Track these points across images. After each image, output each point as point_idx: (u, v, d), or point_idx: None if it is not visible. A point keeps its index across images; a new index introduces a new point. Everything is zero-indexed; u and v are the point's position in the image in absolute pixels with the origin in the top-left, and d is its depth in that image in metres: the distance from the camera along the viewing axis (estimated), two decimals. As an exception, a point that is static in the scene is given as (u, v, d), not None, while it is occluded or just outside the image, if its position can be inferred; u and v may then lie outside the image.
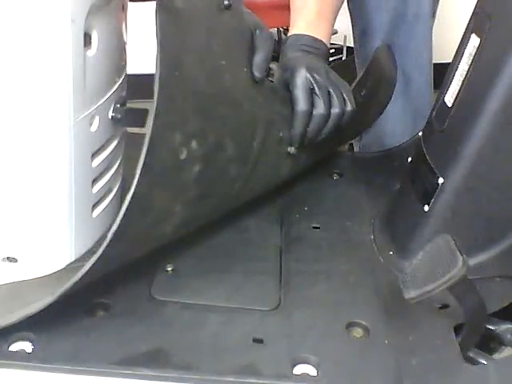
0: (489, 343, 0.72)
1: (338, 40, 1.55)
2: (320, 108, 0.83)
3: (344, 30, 1.44)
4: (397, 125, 1.15)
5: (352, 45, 1.24)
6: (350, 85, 0.94)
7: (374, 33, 1.11)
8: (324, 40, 0.94)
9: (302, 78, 0.83)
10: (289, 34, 0.96)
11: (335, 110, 0.84)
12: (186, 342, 0.66)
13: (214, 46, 0.70)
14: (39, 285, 0.73)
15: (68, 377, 0.62)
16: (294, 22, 0.97)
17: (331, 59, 1.52)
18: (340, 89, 0.86)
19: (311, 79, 0.84)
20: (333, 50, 1.57)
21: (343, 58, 1.85)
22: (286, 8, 1.39)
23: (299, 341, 0.68)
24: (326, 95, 0.84)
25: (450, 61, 0.81)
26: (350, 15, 1.14)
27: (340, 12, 1.03)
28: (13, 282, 0.72)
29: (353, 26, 1.18)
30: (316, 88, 0.83)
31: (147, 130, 0.61)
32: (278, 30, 1.61)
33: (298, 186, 0.97)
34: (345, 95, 0.86)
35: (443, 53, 1.10)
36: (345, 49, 1.90)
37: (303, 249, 0.83)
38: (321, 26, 0.95)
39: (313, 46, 0.92)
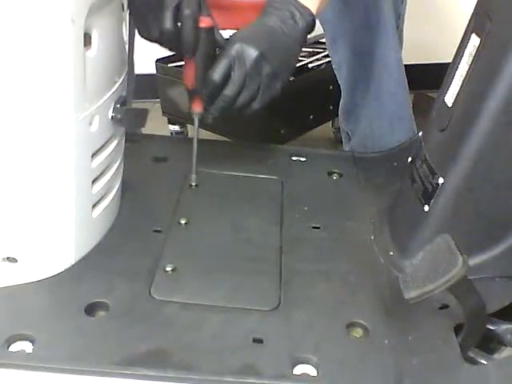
0: (489, 343, 0.72)
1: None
2: (227, 89, 0.84)
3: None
4: (374, 128, 1.16)
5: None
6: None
7: (342, 41, 1.12)
8: (312, 9, 0.88)
9: (231, 52, 0.83)
10: None
11: (241, 100, 0.86)
12: (185, 342, 0.66)
13: None
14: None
15: (68, 377, 0.62)
16: None
17: (325, 61, 1.53)
18: (259, 84, 0.85)
19: (237, 61, 0.83)
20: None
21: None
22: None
23: (299, 341, 0.68)
24: (240, 82, 0.84)
25: (451, 61, 0.81)
26: (321, 24, 1.14)
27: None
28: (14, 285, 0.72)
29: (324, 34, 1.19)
30: (235, 70, 0.84)
31: None
32: None
33: (298, 185, 0.97)
34: (260, 92, 0.86)
35: (443, 53, 1.11)
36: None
37: (303, 249, 0.83)
38: None
39: (293, 17, 0.86)
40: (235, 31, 0.87)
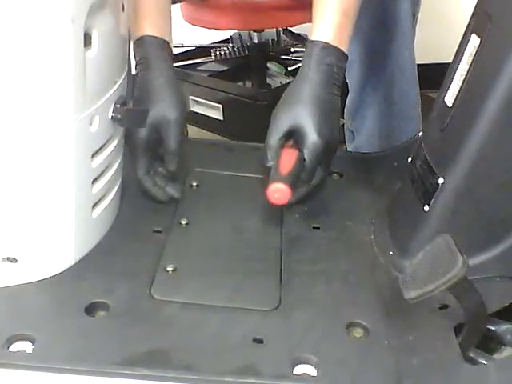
0: (489, 343, 0.72)
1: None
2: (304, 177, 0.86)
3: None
4: (382, 127, 1.15)
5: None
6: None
7: (355, 38, 1.12)
8: (346, 51, 0.87)
9: (315, 151, 0.83)
10: (313, 38, 0.87)
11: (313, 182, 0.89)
12: (186, 342, 0.66)
13: None
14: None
15: (68, 377, 0.62)
16: (319, 20, 0.87)
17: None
18: (321, 165, 0.88)
19: (316, 156, 0.83)
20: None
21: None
22: (286, 8, 1.39)
23: (299, 341, 0.68)
24: (313, 171, 0.86)
25: (451, 61, 0.81)
26: None
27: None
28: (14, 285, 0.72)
29: None
30: (309, 163, 0.84)
31: None
32: (277, 31, 1.62)
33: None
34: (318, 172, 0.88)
35: (443, 53, 1.11)
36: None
37: (303, 249, 0.83)
38: (346, 30, 0.88)
39: (338, 67, 0.86)
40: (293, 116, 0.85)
